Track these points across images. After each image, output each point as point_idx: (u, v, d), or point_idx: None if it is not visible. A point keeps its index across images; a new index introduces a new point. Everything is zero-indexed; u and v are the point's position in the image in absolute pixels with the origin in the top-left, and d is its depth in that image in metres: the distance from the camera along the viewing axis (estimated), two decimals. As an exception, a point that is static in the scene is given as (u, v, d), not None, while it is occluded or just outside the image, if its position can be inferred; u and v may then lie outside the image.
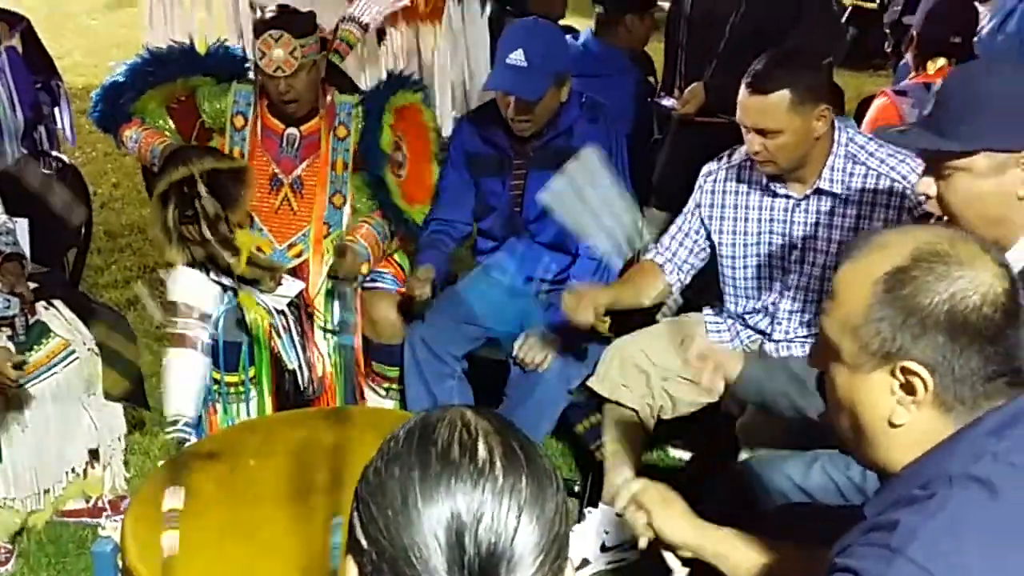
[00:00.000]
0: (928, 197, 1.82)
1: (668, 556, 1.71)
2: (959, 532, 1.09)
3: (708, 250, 2.77)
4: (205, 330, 2.89)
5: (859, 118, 3.61)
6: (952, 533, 1.09)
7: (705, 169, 2.77)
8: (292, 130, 3.05)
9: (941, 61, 3.33)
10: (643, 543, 1.73)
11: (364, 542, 0.88)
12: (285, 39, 2.85)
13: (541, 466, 0.90)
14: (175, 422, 2.90)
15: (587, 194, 2.53)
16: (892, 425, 1.21)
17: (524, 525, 0.86)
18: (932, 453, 1.19)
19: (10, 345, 2.61)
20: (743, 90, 2.46)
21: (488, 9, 4.32)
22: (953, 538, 1.09)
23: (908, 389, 1.19)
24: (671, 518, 1.70)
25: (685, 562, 1.70)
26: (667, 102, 3.80)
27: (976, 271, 1.18)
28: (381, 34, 3.98)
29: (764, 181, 2.60)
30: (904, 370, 1.19)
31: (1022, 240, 1.74)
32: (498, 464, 0.87)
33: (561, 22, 4.11)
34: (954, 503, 1.11)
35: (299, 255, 3.06)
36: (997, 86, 1.77)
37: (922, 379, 1.18)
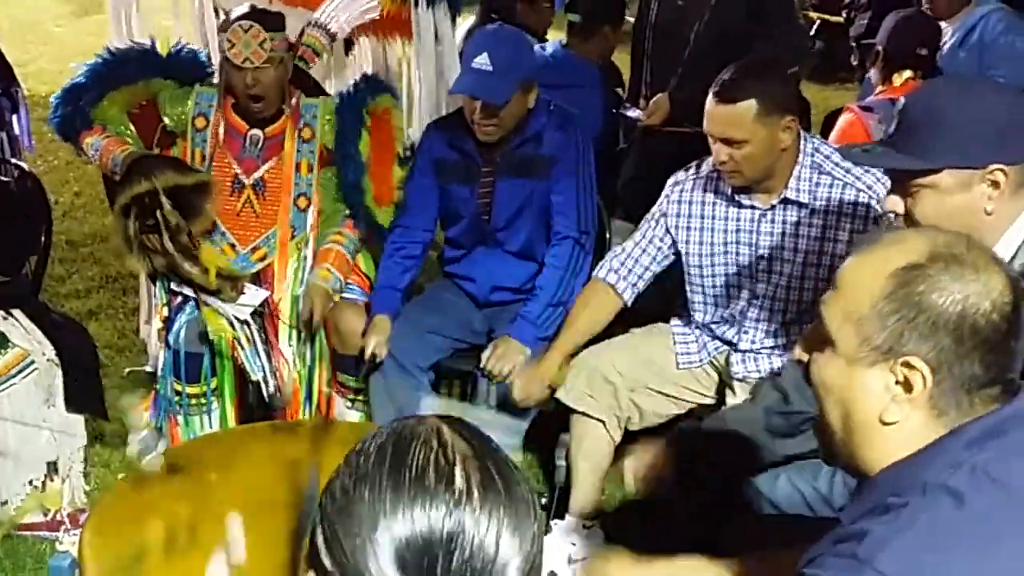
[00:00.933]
0: (896, 215, 1.83)
1: None
2: (930, 544, 1.08)
3: (671, 258, 2.77)
4: None
5: (825, 132, 3.63)
6: (923, 545, 1.08)
7: (672, 179, 2.77)
8: (255, 131, 3.02)
9: (907, 73, 3.35)
10: None
11: (327, 562, 0.84)
12: (255, 30, 2.84)
13: (519, 495, 0.86)
14: None
15: None
16: (883, 423, 1.20)
17: (501, 557, 0.82)
18: (910, 460, 1.18)
19: None
20: (710, 99, 2.47)
21: (469, 21, 4.32)
22: (924, 550, 1.08)
23: (905, 386, 1.19)
24: (620, 572, 1.67)
25: None
26: (632, 113, 3.81)
27: (989, 278, 1.18)
28: (348, 45, 3.97)
29: (730, 191, 2.61)
30: (905, 365, 1.18)
31: None
32: (476, 492, 0.83)
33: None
34: (926, 514, 1.10)
35: (263, 259, 3.02)
36: (958, 102, 1.77)
37: (922, 376, 1.17)
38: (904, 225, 1.83)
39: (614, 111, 3.87)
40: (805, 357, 1.32)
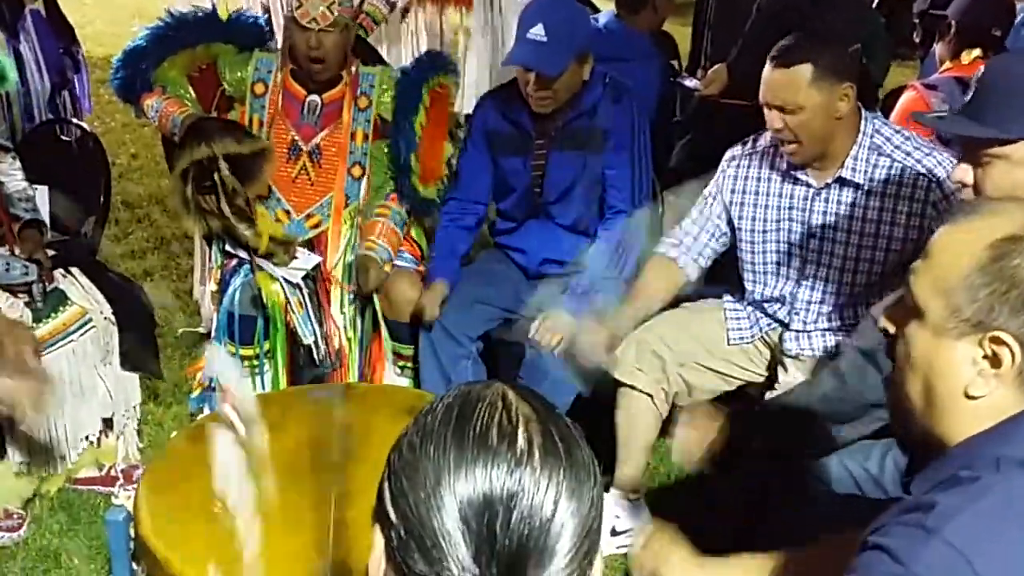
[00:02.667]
0: (964, 185, 1.80)
1: None
2: (1000, 518, 1.07)
3: (728, 235, 2.75)
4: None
5: (886, 111, 3.57)
6: (993, 519, 1.07)
7: (729, 154, 2.74)
8: (314, 97, 3.04)
9: (976, 52, 3.27)
10: None
11: (393, 515, 0.86)
12: None
13: (580, 459, 0.87)
14: None
15: None
16: (968, 396, 1.18)
17: (558, 518, 0.84)
18: (987, 434, 1.16)
19: (27, 314, 2.63)
20: (767, 66, 2.45)
21: None
22: (993, 524, 1.06)
23: (993, 361, 1.16)
24: (676, 567, 1.66)
25: None
26: (690, 83, 3.77)
27: None
28: (404, 12, 3.97)
29: (785, 167, 2.58)
30: (994, 340, 1.15)
31: None
32: (536, 454, 0.85)
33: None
34: (998, 489, 1.09)
35: (317, 226, 3.05)
36: None
37: (1011, 351, 1.15)
38: (972, 196, 1.80)
39: (672, 80, 3.82)
40: (892, 328, 1.29)
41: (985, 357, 1.17)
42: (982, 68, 1.85)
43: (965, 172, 1.79)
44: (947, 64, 3.36)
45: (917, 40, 5.14)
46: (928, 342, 1.21)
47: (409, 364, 3.11)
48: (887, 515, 1.18)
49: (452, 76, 3.13)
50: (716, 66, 3.62)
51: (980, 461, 1.13)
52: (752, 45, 3.40)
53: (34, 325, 2.62)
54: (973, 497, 1.09)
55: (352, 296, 3.04)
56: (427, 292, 2.95)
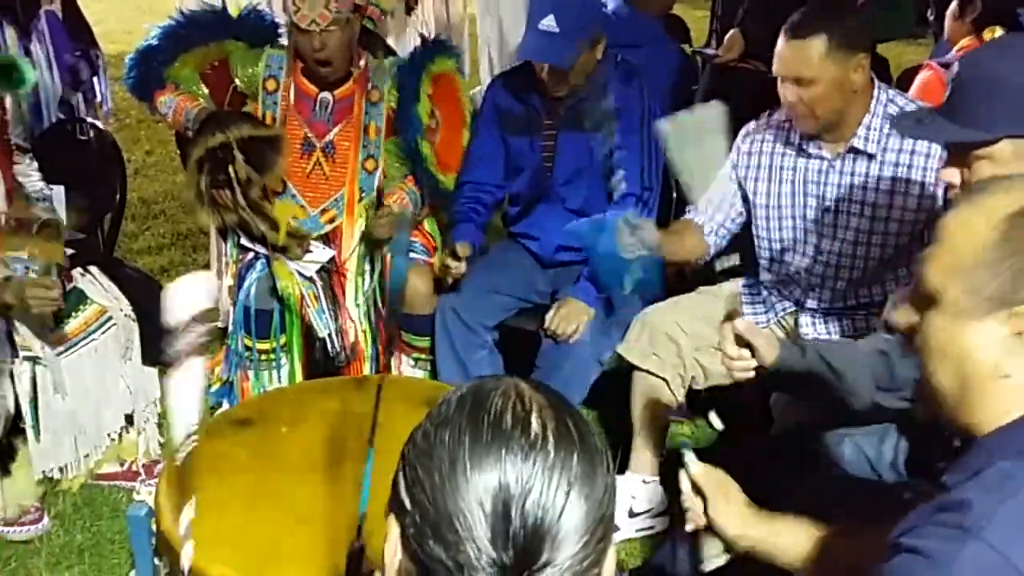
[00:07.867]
0: (953, 186, 1.79)
1: (710, 543, 1.68)
2: None
3: (744, 214, 2.73)
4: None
5: (901, 90, 3.53)
6: None
7: (744, 130, 2.72)
8: (325, 94, 3.04)
9: (999, 30, 3.21)
10: (690, 527, 1.69)
11: (408, 503, 0.87)
12: None
13: (593, 445, 0.88)
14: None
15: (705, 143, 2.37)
16: (1000, 376, 1.14)
17: (572, 503, 0.84)
18: (1017, 423, 1.13)
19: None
20: (781, 39, 2.42)
21: None
22: None
23: (1022, 337, 1.13)
24: (727, 509, 1.63)
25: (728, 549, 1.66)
26: (710, 51, 3.78)
27: None
28: (409, 6, 3.97)
29: (798, 141, 2.56)
30: (1019, 315, 1.12)
31: None
32: (551, 439, 0.85)
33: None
34: None
35: (332, 220, 3.06)
36: (1012, 70, 1.72)
37: None
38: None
39: (689, 56, 3.80)
40: (906, 321, 1.24)
41: (1017, 334, 1.13)
42: (956, 66, 1.82)
43: (953, 174, 1.77)
44: (965, 41, 3.31)
45: (931, 18, 5.09)
46: (948, 327, 1.17)
47: (424, 356, 3.11)
48: (917, 515, 1.14)
49: (453, 61, 3.09)
50: (731, 32, 3.61)
51: (1016, 451, 1.10)
52: (755, 6, 3.39)
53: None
54: (1008, 495, 1.06)
55: (367, 290, 3.05)
56: (447, 251, 2.89)
